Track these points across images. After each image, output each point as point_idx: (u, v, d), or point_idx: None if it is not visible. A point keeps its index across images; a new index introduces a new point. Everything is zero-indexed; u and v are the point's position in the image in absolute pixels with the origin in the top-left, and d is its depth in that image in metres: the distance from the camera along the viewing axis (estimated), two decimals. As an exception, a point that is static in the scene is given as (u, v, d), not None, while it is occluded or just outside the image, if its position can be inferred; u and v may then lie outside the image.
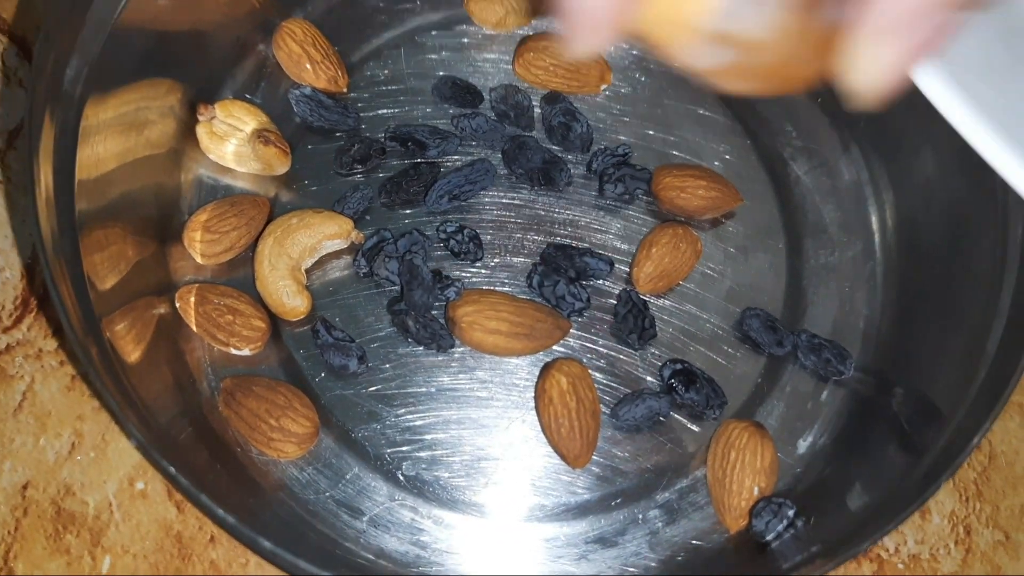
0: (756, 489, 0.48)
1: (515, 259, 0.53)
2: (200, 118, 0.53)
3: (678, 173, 0.54)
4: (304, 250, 0.50)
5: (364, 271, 0.51)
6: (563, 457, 0.49)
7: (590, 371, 0.50)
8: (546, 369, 0.50)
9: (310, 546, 0.45)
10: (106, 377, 0.39)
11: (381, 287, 0.52)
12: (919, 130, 0.53)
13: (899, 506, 0.43)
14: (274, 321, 0.51)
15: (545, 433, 0.50)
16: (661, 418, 0.50)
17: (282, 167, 0.53)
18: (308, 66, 0.55)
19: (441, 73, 0.57)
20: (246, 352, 0.50)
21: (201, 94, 0.54)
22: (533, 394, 0.51)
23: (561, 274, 0.52)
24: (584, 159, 0.55)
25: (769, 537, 0.48)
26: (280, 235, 0.50)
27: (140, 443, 0.38)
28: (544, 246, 0.53)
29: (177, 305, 0.50)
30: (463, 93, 0.56)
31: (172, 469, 0.36)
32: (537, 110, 0.56)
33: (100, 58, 0.46)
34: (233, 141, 0.53)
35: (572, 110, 0.55)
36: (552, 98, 0.56)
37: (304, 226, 0.50)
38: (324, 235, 0.50)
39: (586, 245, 0.53)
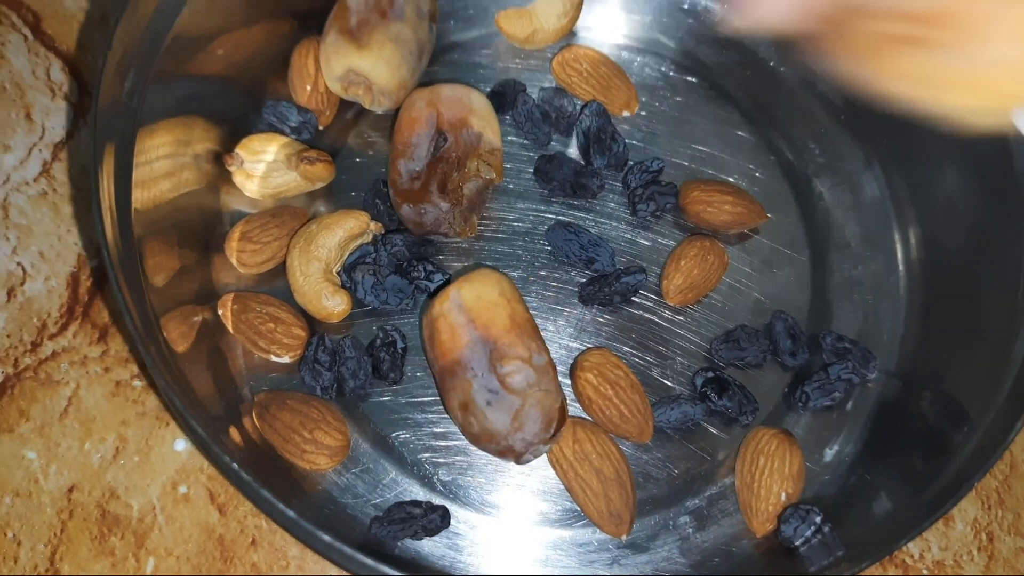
0: (784, 495, 0.49)
1: (548, 273, 0.55)
2: (231, 168, 0.54)
3: (705, 188, 0.56)
4: (331, 251, 0.52)
5: (346, 284, 0.53)
6: (628, 438, 0.51)
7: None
8: (573, 373, 0.52)
9: (351, 545, 0.46)
10: (166, 374, 0.41)
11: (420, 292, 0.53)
12: (940, 146, 0.55)
13: (924, 513, 0.44)
14: (313, 328, 0.52)
15: (601, 426, 0.51)
16: (694, 423, 0.52)
17: (330, 177, 0.55)
18: (308, 87, 0.56)
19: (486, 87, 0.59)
20: (286, 359, 0.51)
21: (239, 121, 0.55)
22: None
23: (607, 303, 0.54)
24: (616, 175, 0.57)
25: (797, 543, 0.49)
26: (304, 244, 0.52)
27: (200, 438, 0.40)
28: (576, 282, 0.55)
29: (219, 312, 0.52)
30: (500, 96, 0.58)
31: (234, 464, 0.37)
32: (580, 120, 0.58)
33: (156, 70, 0.47)
34: (269, 174, 0.54)
35: (612, 130, 0.57)
36: (592, 113, 0.58)
37: (323, 228, 0.52)
38: (345, 232, 0.52)
39: (608, 265, 0.55)
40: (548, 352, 0.48)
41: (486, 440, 0.47)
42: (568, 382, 0.52)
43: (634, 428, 0.50)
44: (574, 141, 0.58)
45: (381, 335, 0.52)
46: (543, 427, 0.47)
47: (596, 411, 0.51)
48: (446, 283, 0.50)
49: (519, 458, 0.48)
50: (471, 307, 0.47)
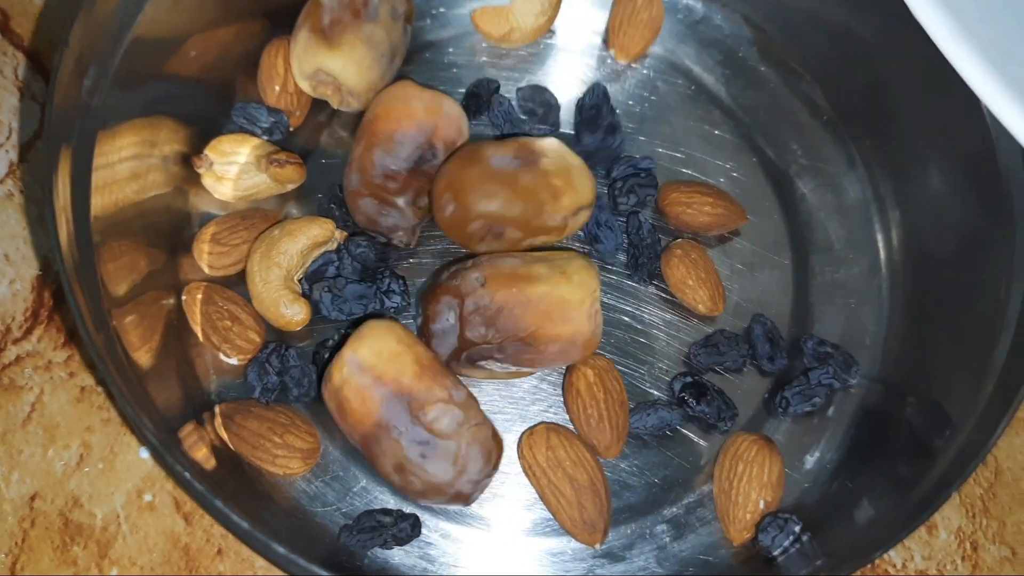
0: (762, 503, 0.48)
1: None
2: (199, 171, 0.52)
3: (685, 189, 0.54)
4: (292, 258, 0.50)
5: (306, 292, 0.52)
6: (594, 448, 0.49)
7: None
8: (571, 366, 0.50)
9: (319, 556, 0.45)
10: (121, 383, 0.39)
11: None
12: (924, 147, 0.54)
13: (905, 520, 0.43)
14: (281, 334, 0.51)
15: (574, 425, 0.50)
16: (671, 430, 0.51)
17: (300, 179, 0.53)
18: (277, 88, 0.55)
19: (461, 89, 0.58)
20: (233, 361, 0.50)
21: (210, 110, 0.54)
22: (539, 408, 0.51)
23: None
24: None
25: (775, 552, 0.48)
26: (265, 249, 0.50)
27: (155, 448, 0.38)
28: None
29: (183, 298, 0.50)
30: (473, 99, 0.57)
31: (187, 474, 0.36)
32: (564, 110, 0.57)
33: (118, 69, 0.46)
34: (240, 176, 0.53)
35: (615, 126, 0.56)
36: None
37: (287, 234, 0.50)
38: (309, 239, 0.50)
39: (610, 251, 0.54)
40: (461, 383, 0.46)
41: (432, 494, 0.45)
42: (540, 391, 0.51)
43: (604, 439, 0.49)
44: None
45: (333, 341, 0.50)
46: (484, 461, 0.46)
47: (577, 407, 0.49)
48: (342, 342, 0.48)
49: (468, 500, 0.46)
50: (372, 364, 0.45)
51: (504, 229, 0.49)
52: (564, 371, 0.51)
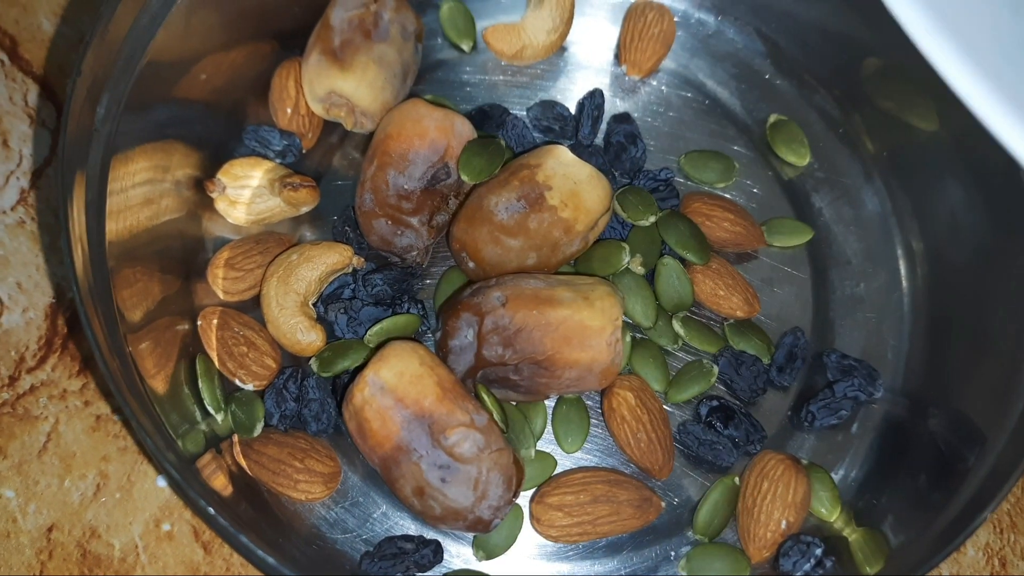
0: (784, 523, 0.47)
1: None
2: (212, 195, 0.52)
3: (708, 202, 0.54)
4: (310, 284, 0.50)
5: (321, 314, 0.51)
6: (647, 471, 0.49)
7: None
8: (607, 390, 0.50)
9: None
10: (138, 410, 0.39)
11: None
12: (942, 159, 0.53)
13: (935, 546, 0.42)
14: (296, 359, 0.51)
15: (624, 451, 0.49)
16: (695, 452, 0.50)
17: (314, 202, 0.53)
18: (288, 110, 0.55)
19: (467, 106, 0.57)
20: (249, 387, 0.50)
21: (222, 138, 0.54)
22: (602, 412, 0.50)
23: None
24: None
25: (797, 576, 0.47)
26: (283, 274, 0.50)
27: (172, 477, 0.38)
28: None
29: (199, 324, 0.50)
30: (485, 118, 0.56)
31: (211, 509, 0.36)
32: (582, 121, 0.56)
33: (130, 94, 0.46)
34: (253, 200, 0.52)
35: (635, 135, 0.55)
36: (621, 118, 0.56)
37: (305, 260, 0.50)
38: (327, 266, 0.50)
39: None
40: (483, 408, 0.46)
41: (452, 519, 0.45)
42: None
43: (657, 461, 0.49)
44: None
45: (352, 369, 0.50)
46: (505, 487, 0.45)
47: (625, 432, 0.49)
48: (363, 366, 0.47)
49: (488, 526, 0.45)
50: (395, 386, 0.44)
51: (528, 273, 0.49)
52: (599, 396, 0.51)
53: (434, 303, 0.52)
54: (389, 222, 0.51)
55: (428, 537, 0.47)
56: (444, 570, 0.48)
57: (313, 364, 0.50)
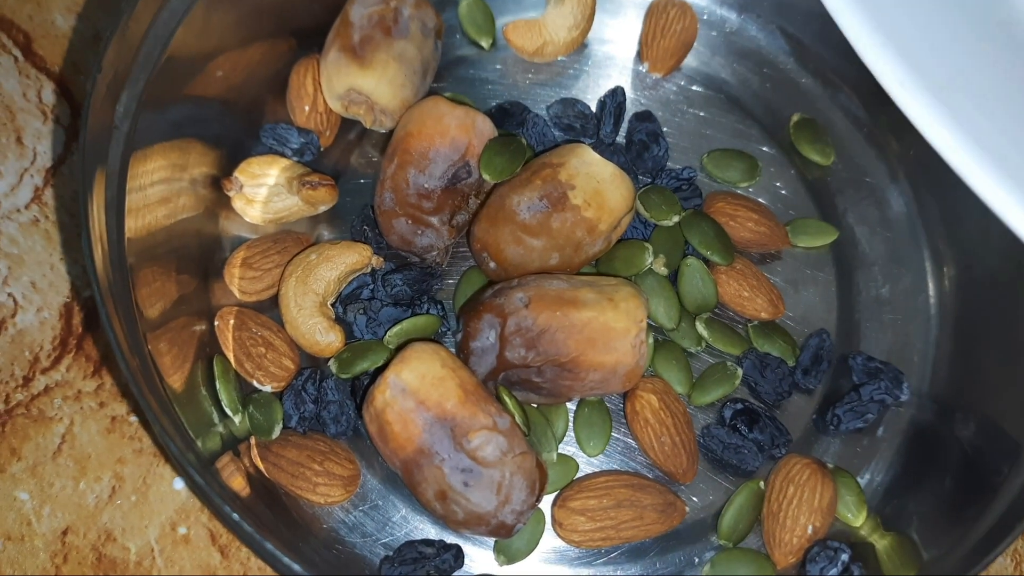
0: (810, 528, 0.47)
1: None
2: (230, 193, 0.51)
3: (732, 201, 0.53)
4: (328, 284, 0.49)
5: (339, 314, 0.50)
6: (671, 475, 0.49)
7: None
8: (630, 392, 0.49)
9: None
10: (158, 410, 0.38)
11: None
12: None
13: (969, 560, 0.42)
14: (314, 360, 0.50)
15: (647, 454, 0.49)
16: (719, 455, 0.49)
17: (332, 201, 0.52)
18: (306, 107, 0.54)
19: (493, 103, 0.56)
20: (267, 389, 0.49)
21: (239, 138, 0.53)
22: (623, 414, 0.50)
23: None
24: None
25: (824, 583, 0.46)
26: (302, 274, 0.49)
27: (191, 477, 0.37)
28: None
29: (216, 324, 0.49)
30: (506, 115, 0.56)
31: (233, 513, 0.35)
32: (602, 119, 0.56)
33: (148, 92, 0.45)
34: (270, 199, 0.52)
35: (657, 133, 0.55)
36: (643, 116, 0.56)
37: (324, 260, 0.49)
38: (346, 266, 0.49)
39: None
40: (505, 411, 0.45)
41: (475, 524, 0.44)
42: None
43: (681, 465, 0.48)
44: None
45: (372, 371, 0.49)
46: (528, 492, 0.44)
47: (649, 436, 0.48)
48: (384, 367, 0.46)
49: (511, 531, 0.44)
50: (416, 388, 0.43)
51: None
52: (622, 399, 0.50)
53: (454, 304, 0.51)
54: (409, 221, 0.50)
55: (449, 542, 0.47)
56: (465, 575, 0.47)
57: (332, 365, 0.49)
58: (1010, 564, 0.51)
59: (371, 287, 0.50)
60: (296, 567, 0.35)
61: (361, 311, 0.50)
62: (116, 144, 0.43)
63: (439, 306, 0.50)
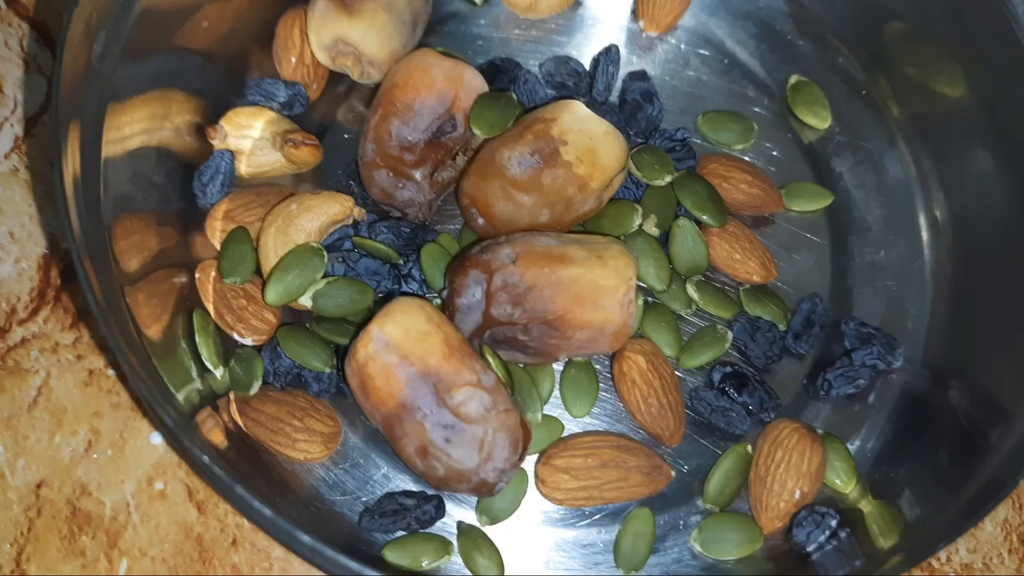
0: (798, 492, 0.46)
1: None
2: (213, 142, 0.50)
3: (726, 163, 0.52)
4: (309, 235, 0.48)
5: (328, 269, 0.49)
6: (658, 437, 0.48)
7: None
8: (618, 353, 0.48)
9: (337, 546, 0.43)
10: (135, 362, 0.37)
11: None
12: (969, 126, 0.52)
13: (955, 520, 0.41)
14: (298, 315, 0.49)
15: (634, 416, 0.48)
16: (707, 417, 0.49)
17: (315, 162, 0.51)
18: (293, 59, 0.53)
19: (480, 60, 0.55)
20: (248, 341, 0.48)
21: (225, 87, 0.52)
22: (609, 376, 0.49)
23: None
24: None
25: (810, 548, 0.46)
26: (282, 224, 0.48)
27: (169, 430, 0.36)
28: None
29: (197, 276, 0.48)
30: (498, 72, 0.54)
31: (205, 457, 0.34)
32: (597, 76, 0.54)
33: (128, 38, 0.44)
34: (254, 152, 0.51)
35: (652, 93, 0.54)
36: (637, 75, 0.55)
37: (305, 210, 0.48)
38: (328, 216, 0.48)
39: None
40: (490, 368, 0.44)
41: (456, 481, 0.43)
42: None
43: (668, 427, 0.48)
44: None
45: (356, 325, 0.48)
46: (511, 450, 0.43)
47: (636, 397, 0.47)
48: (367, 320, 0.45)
49: (493, 490, 0.44)
50: (400, 343, 0.43)
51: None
52: (610, 360, 0.49)
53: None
54: (390, 174, 0.49)
55: (430, 493, 0.46)
56: (447, 535, 0.46)
57: (315, 321, 0.48)
58: (1000, 533, 0.50)
59: (352, 238, 0.49)
60: (267, 512, 0.34)
61: (340, 260, 0.49)
62: (93, 89, 0.42)
63: (421, 283, 0.49)
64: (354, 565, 0.33)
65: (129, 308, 0.42)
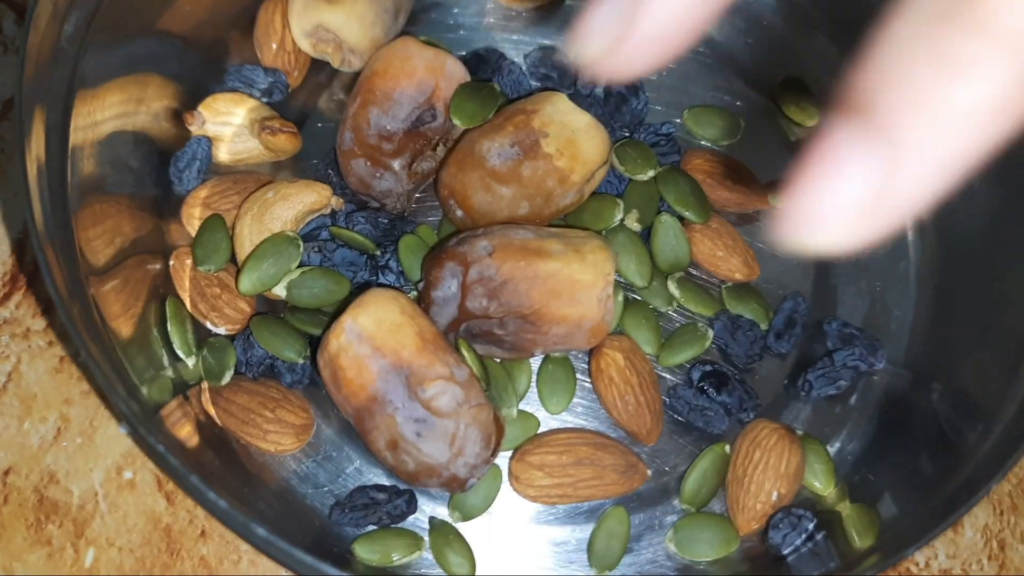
0: (775, 494, 0.45)
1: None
2: (191, 128, 0.49)
3: (711, 159, 0.52)
4: (285, 224, 0.47)
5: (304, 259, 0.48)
6: (635, 435, 0.47)
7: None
8: (596, 349, 0.47)
9: (306, 539, 0.43)
10: (97, 354, 0.36)
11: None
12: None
13: (930, 520, 0.40)
14: (272, 305, 0.49)
15: (610, 413, 0.47)
16: (685, 416, 0.48)
17: (294, 150, 0.50)
18: (274, 46, 0.52)
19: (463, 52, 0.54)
20: (221, 331, 0.47)
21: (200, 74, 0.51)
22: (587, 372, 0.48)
23: None
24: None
25: (785, 551, 0.45)
26: (257, 212, 0.47)
27: (128, 419, 0.36)
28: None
29: (171, 264, 0.48)
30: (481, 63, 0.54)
31: (161, 447, 0.33)
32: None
33: (101, 19, 0.43)
34: (233, 139, 0.50)
35: (637, 86, 0.53)
36: None
37: (281, 198, 0.47)
38: (304, 205, 0.47)
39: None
40: (465, 362, 0.44)
41: (426, 475, 0.42)
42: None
43: (645, 425, 0.47)
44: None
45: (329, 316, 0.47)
46: (483, 445, 0.42)
47: (613, 395, 0.47)
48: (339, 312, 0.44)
49: (464, 485, 0.43)
50: (373, 334, 0.42)
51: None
52: (588, 356, 0.48)
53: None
54: (368, 163, 0.48)
55: (402, 487, 0.45)
56: (419, 531, 0.45)
57: (289, 311, 0.47)
58: (980, 540, 0.49)
59: (330, 228, 0.49)
60: (222, 503, 0.33)
61: (316, 249, 0.48)
62: (62, 70, 0.41)
63: (398, 275, 0.48)
64: (308, 559, 0.33)
65: (94, 297, 0.42)
